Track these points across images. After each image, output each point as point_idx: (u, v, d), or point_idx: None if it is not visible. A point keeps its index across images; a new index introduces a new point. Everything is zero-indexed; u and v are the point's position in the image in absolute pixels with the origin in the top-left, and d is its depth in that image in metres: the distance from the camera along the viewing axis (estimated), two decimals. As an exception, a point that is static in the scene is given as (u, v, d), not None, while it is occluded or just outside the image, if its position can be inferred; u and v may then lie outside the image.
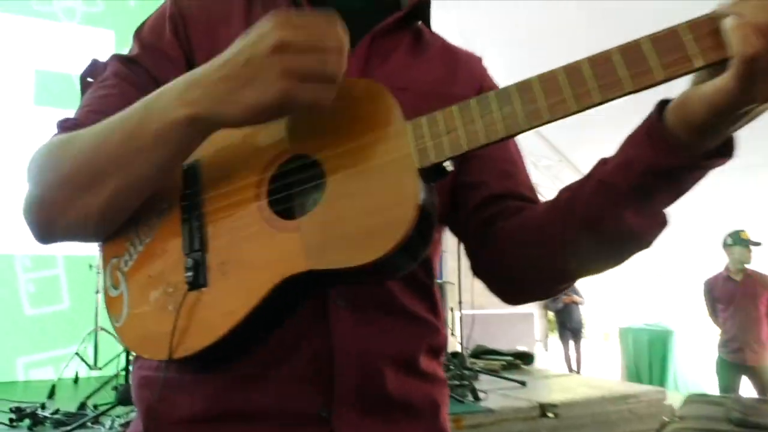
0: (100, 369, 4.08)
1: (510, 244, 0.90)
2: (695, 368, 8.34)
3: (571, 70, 0.65)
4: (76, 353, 4.03)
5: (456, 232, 1.02)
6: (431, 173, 0.72)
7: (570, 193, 0.82)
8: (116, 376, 3.46)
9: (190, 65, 0.91)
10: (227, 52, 0.72)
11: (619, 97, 0.63)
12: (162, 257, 0.82)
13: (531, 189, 1.00)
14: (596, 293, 9.36)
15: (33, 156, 0.85)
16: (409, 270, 0.76)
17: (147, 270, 0.83)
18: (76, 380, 4.22)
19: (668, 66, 0.61)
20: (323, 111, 0.72)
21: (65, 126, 0.87)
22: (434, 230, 0.74)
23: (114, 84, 0.92)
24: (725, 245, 5.73)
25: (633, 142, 0.72)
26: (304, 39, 0.67)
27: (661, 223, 0.76)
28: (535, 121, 0.67)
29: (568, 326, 8.98)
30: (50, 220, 0.83)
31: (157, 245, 0.83)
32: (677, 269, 8.86)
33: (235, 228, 0.79)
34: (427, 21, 1.05)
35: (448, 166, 0.73)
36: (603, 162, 0.76)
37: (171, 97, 0.74)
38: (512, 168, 1.00)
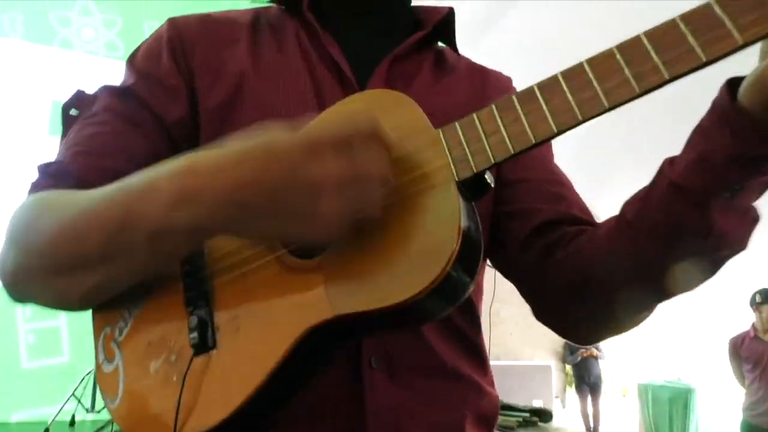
0: (97, 412, 3.95)
1: (576, 275, 0.78)
2: (718, 430, 8.04)
3: (628, 48, 0.56)
4: (73, 394, 3.90)
5: (507, 272, 0.90)
6: (471, 188, 0.63)
7: (637, 204, 0.71)
8: (111, 422, 3.32)
9: (191, 92, 0.83)
10: (242, 161, 0.59)
11: (690, 72, 0.53)
12: (163, 319, 0.71)
13: (585, 210, 0.88)
14: (615, 347, 9.13)
15: (15, 211, 0.74)
16: (450, 311, 0.65)
17: (145, 336, 0.71)
18: (72, 423, 4.08)
19: (748, 27, 0.51)
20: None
21: (48, 172, 0.77)
22: (480, 261, 0.64)
23: (105, 120, 0.82)
24: (753, 303, 5.51)
25: (703, 134, 0.61)
26: (349, 171, 0.57)
27: (754, 219, 0.64)
28: (592, 111, 0.57)
29: (587, 381, 8.71)
30: (26, 290, 0.73)
31: (157, 306, 0.72)
32: (699, 325, 8.65)
33: (244, 275, 0.68)
34: (452, 41, 0.97)
35: (489, 179, 0.62)
36: (669, 162, 0.66)
37: (164, 197, 0.61)
38: (561, 189, 0.89)
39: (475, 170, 0.61)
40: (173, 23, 0.90)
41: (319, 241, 0.62)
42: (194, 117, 0.84)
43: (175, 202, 0.60)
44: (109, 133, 0.81)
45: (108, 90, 0.86)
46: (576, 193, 0.91)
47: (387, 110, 0.67)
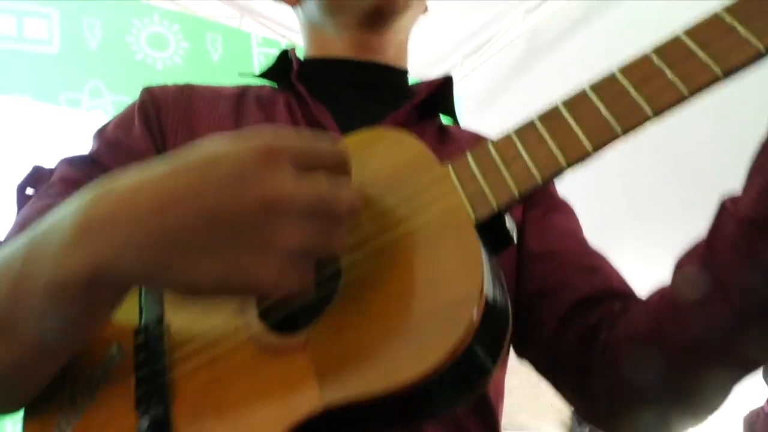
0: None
1: (635, 359, 0.64)
2: None
3: (667, 48, 0.48)
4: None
5: (542, 366, 0.77)
6: (489, 236, 0.51)
7: (698, 259, 0.58)
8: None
9: (162, 151, 0.76)
10: (173, 174, 0.46)
11: (747, 63, 0.45)
12: (107, 426, 0.55)
13: (625, 283, 0.76)
14: None
15: None
16: (465, 403, 0.50)
17: None
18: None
19: None
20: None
21: None
22: (508, 329, 0.50)
23: (60, 192, 0.72)
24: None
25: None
26: (313, 194, 0.45)
27: None
28: (632, 121, 0.47)
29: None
30: None
31: (102, 409, 0.56)
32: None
33: (212, 362, 0.54)
34: (451, 110, 0.91)
35: (510, 226, 0.53)
36: (731, 202, 0.55)
37: (65, 233, 0.47)
38: (595, 261, 0.78)
39: (495, 206, 0.50)
40: (147, 90, 0.85)
41: (270, 292, 0.45)
42: None
43: (76, 239, 0.46)
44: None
45: (67, 161, 0.79)
46: (612, 265, 0.78)
47: (385, 147, 0.59)
